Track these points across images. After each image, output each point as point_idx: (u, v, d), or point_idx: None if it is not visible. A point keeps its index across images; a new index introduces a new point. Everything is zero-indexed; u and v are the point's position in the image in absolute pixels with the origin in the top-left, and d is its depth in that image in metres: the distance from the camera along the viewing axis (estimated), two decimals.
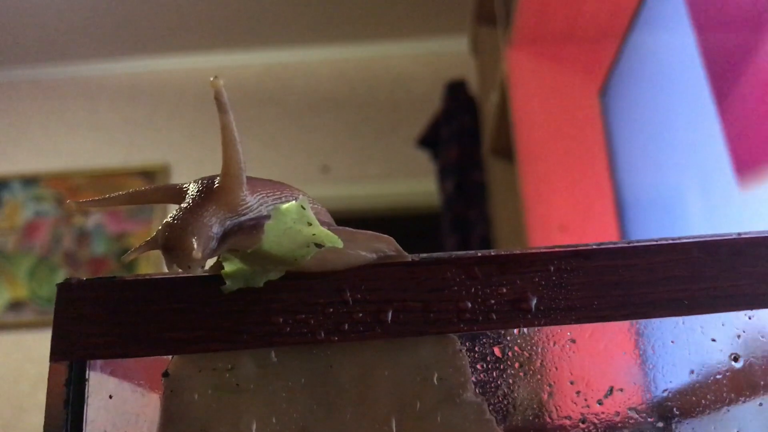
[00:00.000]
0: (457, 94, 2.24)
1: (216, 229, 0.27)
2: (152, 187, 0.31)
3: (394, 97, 2.78)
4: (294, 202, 0.28)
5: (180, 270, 0.27)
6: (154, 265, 2.55)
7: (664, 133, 1.12)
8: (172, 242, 0.27)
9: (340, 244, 0.27)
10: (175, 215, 0.28)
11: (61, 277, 2.56)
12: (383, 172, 2.67)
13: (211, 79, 0.29)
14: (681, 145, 1.05)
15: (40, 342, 2.47)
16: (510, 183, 1.77)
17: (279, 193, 0.29)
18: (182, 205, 0.28)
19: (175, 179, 2.67)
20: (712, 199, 0.96)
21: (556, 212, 1.48)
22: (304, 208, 0.28)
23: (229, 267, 0.29)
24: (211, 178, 0.29)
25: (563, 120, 1.54)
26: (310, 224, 0.28)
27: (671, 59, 1.08)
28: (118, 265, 2.59)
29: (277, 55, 2.84)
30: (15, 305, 2.57)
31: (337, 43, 2.75)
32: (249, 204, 0.28)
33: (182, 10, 2.62)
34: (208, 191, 0.28)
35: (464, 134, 2.16)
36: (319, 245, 0.27)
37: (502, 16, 1.69)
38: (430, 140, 2.29)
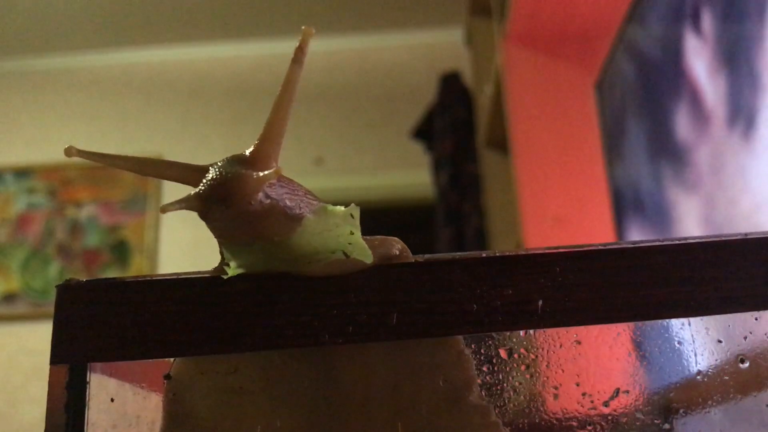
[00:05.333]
0: (451, 86, 2.23)
1: None
2: (167, 161, 0.30)
3: (388, 89, 2.77)
4: (343, 207, 0.27)
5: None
6: (149, 263, 2.54)
7: (659, 126, 1.12)
8: (227, 185, 0.27)
9: (370, 259, 0.27)
10: (214, 173, 0.28)
11: (54, 269, 2.55)
12: (377, 163, 2.67)
13: (303, 27, 0.29)
14: (674, 138, 1.05)
15: (33, 334, 2.46)
16: (504, 175, 1.77)
17: (303, 192, 0.28)
18: (217, 165, 0.28)
19: None
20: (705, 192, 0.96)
21: (550, 204, 1.48)
22: (353, 216, 0.27)
23: (233, 262, 0.29)
24: (239, 153, 0.29)
25: (558, 112, 1.54)
26: (352, 233, 0.27)
27: (666, 52, 1.08)
28: (111, 257, 2.58)
29: (270, 46, 2.83)
30: (8, 297, 2.56)
31: (331, 34, 2.74)
32: (274, 187, 0.28)
33: (175, 1, 2.60)
34: (240, 158, 0.28)
35: (459, 126, 2.16)
36: (346, 254, 0.27)
37: (497, 7, 1.69)
38: (424, 132, 2.29)
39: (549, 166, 1.51)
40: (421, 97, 2.44)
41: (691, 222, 1.01)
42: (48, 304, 2.51)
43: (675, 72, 1.03)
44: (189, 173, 0.29)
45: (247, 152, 0.28)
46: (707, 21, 0.94)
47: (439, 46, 2.73)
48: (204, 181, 0.28)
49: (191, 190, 0.28)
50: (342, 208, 0.27)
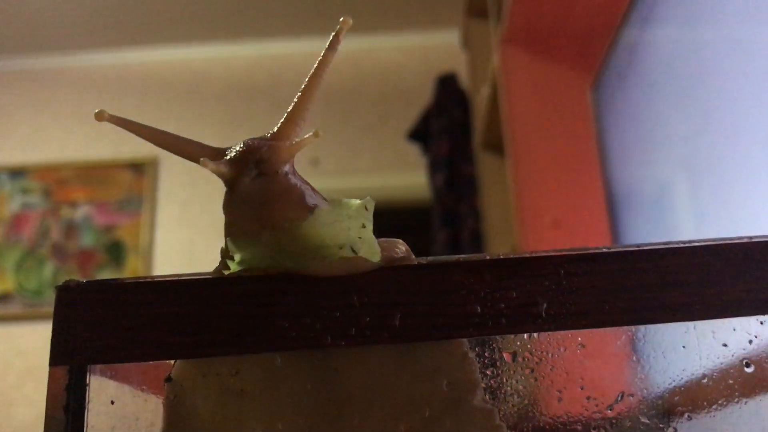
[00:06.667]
0: (447, 88, 2.23)
1: None
2: (187, 138, 0.31)
3: (384, 90, 2.77)
4: (358, 200, 0.28)
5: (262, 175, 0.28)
6: (144, 264, 2.53)
7: (656, 128, 1.12)
8: (261, 151, 0.28)
9: (377, 257, 0.27)
10: (245, 143, 0.29)
11: (48, 269, 2.54)
12: (373, 165, 2.67)
13: (342, 18, 0.31)
14: (671, 140, 1.05)
15: (27, 335, 2.45)
16: (501, 177, 1.76)
17: (312, 187, 0.29)
18: (242, 141, 0.29)
19: (164, 172, 2.65)
20: (702, 194, 0.96)
21: (547, 207, 1.48)
22: (367, 209, 0.27)
23: (237, 255, 0.29)
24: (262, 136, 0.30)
25: (555, 114, 1.54)
26: (364, 226, 0.27)
27: (663, 54, 1.08)
28: (106, 257, 2.58)
29: (267, 47, 2.83)
30: (2, 298, 2.55)
31: (327, 35, 2.73)
32: (291, 171, 0.28)
33: (170, 2, 2.60)
34: (264, 136, 0.29)
35: (455, 128, 2.16)
36: (354, 251, 0.27)
37: (493, 9, 1.69)
38: (420, 133, 2.29)
39: (545, 168, 1.51)
40: (417, 98, 2.44)
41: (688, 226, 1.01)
42: (42, 305, 2.50)
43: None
44: (207, 152, 0.30)
45: (269, 133, 0.30)
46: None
47: (435, 48, 2.73)
48: (235, 149, 0.29)
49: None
50: (357, 200, 0.28)
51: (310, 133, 0.30)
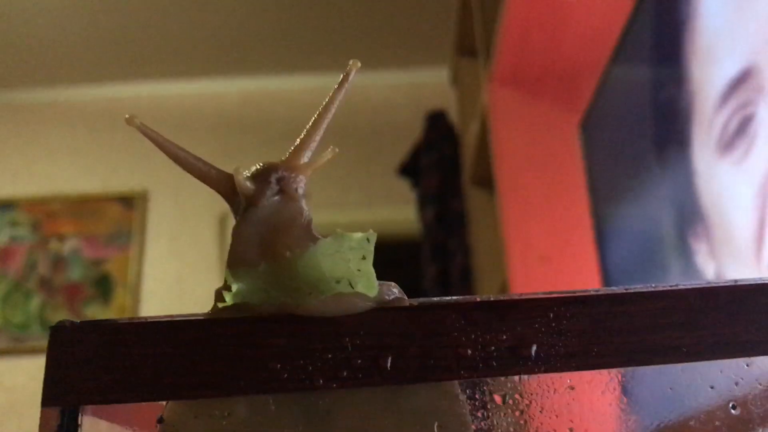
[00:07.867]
0: (437, 124, 2.25)
1: None
2: (208, 163, 0.32)
3: (374, 126, 2.79)
4: (360, 233, 0.29)
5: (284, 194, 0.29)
6: (132, 298, 2.52)
7: (643, 165, 1.13)
8: (280, 168, 0.30)
9: (374, 291, 0.27)
10: (264, 164, 0.30)
11: (35, 303, 2.53)
12: (363, 199, 2.67)
13: (351, 62, 0.34)
14: (658, 178, 1.06)
15: (12, 369, 2.43)
16: (490, 213, 1.77)
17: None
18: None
19: (154, 206, 2.65)
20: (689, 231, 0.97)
21: (535, 242, 1.49)
22: (368, 241, 0.28)
23: (234, 286, 0.29)
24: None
25: (543, 151, 1.55)
26: (364, 258, 0.28)
27: (651, 92, 1.09)
28: (93, 291, 2.56)
29: (257, 83, 2.85)
30: None
31: (318, 71, 2.75)
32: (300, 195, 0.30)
33: (162, 37, 2.62)
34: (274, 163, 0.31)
35: (444, 163, 2.17)
36: (351, 285, 0.27)
37: (482, 48, 1.71)
38: (410, 169, 2.30)
39: (534, 204, 1.52)
40: (407, 134, 2.45)
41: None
42: (28, 339, 2.48)
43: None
44: (223, 176, 0.31)
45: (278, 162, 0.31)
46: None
47: (425, 85, 2.76)
48: (254, 168, 0.30)
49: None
50: (360, 234, 0.28)
51: (329, 150, 0.31)
